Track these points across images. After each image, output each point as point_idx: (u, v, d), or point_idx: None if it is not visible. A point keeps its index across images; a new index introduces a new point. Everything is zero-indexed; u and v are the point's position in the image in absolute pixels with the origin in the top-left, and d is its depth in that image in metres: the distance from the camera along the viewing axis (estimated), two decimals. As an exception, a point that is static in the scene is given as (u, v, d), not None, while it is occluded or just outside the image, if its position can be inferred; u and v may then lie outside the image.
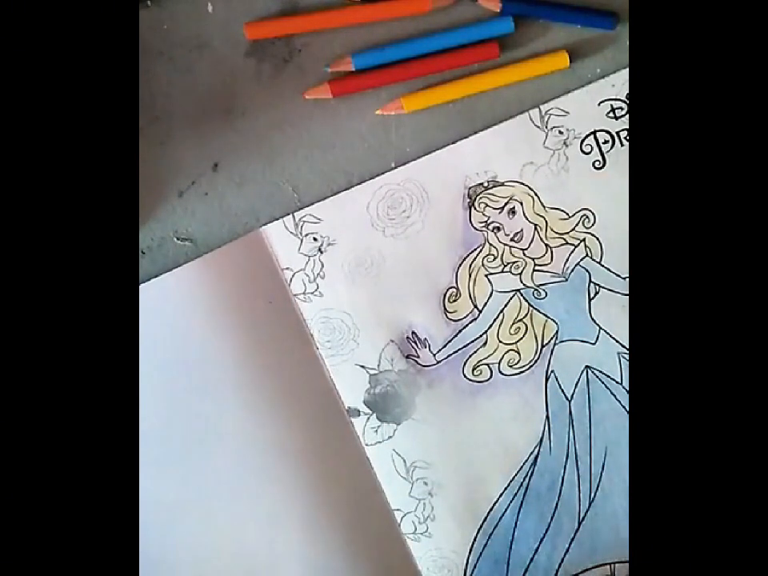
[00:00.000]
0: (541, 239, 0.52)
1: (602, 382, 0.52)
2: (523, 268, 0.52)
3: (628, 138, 0.51)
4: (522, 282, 0.52)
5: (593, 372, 0.52)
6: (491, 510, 0.52)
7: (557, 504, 0.52)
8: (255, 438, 0.52)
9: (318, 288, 0.52)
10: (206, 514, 0.52)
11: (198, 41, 0.50)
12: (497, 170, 0.51)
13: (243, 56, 0.50)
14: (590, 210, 0.51)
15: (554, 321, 0.52)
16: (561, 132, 0.51)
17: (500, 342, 0.52)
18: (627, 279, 0.51)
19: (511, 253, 0.52)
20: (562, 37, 0.50)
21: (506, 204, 0.51)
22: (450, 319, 0.52)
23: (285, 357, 0.52)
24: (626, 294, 0.52)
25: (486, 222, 0.52)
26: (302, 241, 0.52)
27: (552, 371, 0.52)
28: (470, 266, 0.52)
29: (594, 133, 0.51)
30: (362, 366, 0.52)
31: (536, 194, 0.51)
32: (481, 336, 0.52)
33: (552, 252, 0.52)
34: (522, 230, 0.52)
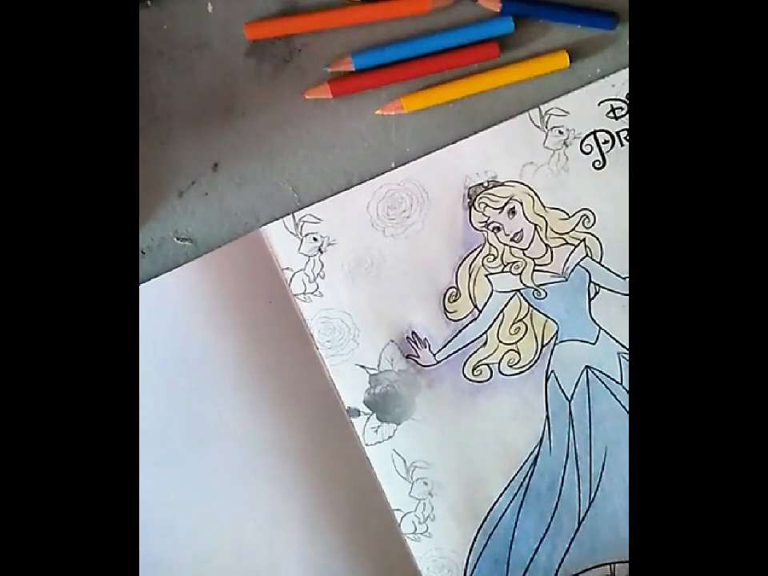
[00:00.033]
0: (541, 239, 0.52)
1: (602, 382, 0.52)
2: (523, 268, 0.52)
3: (628, 138, 0.51)
4: (521, 282, 0.52)
5: (593, 372, 0.52)
6: (491, 510, 0.52)
7: (557, 504, 0.52)
8: (255, 437, 0.52)
9: (318, 288, 0.52)
10: (206, 514, 0.52)
11: (198, 41, 0.50)
12: (497, 169, 0.51)
13: (243, 56, 0.50)
14: (589, 210, 0.51)
15: (553, 321, 0.52)
16: (561, 132, 0.51)
17: (500, 342, 0.52)
18: (627, 279, 0.51)
19: (511, 253, 0.52)
20: (561, 37, 0.50)
21: (505, 204, 0.51)
22: (450, 319, 0.52)
23: (285, 357, 0.52)
24: (626, 294, 0.52)
25: (485, 222, 0.52)
26: (301, 241, 0.52)
27: (552, 371, 0.52)
28: (470, 266, 0.52)
29: (593, 133, 0.51)
30: (362, 366, 0.52)
31: (536, 194, 0.51)
32: (481, 336, 0.52)
33: (552, 252, 0.52)
34: (521, 230, 0.52)
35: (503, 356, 0.52)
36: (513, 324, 0.52)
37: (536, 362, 0.52)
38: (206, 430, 0.52)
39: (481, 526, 0.52)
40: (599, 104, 0.51)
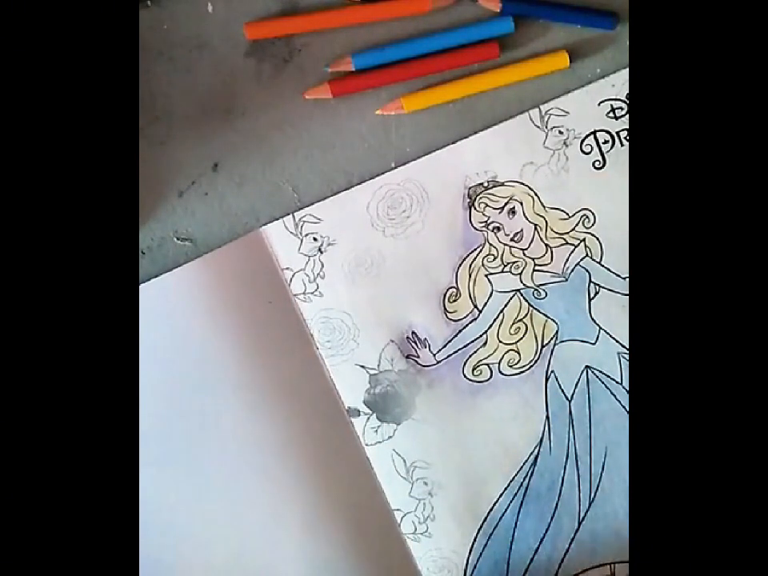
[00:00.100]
0: (541, 239, 0.52)
1: (602, 382, 0.52)
2: (523, 268, 0.52)
3: (628, 138, 0.51)
4: (522, 282, 0.52)
5: (593, 372, 0.52)
6: (491, 510, 0.52)
7: (557, 504, 0.52)
8: (255, 437, 0.52)
9: (318, 288, 0.52)
10: (206, 514, 0.52)
11: (198, 41, 0.50)
12: (497, 169, 0.51)
13: (243, 56, 0.50)
14: (589, 210, 0.51)
15: (553, 321, 0.52)
16: (561, 132, 0.51)
17: (500, 342, 0.52)
18: (627, 279, 0.51)
19: (511, 253, 0.52)
20: (561, 37, 0.50)
21: (506, 204, 0.51)
22: (450, 319, 0.52)
23: (285, 357, 0.52)
24: (626, 294, 0.52)
25: (486, 222, 0.52)
26: (302, 241, 0.52)
27: (552, 371, 0.52)
28: (470, 266, 0.52)
29: (594, 133, 0.51)
30: (362, 366, 0.52)
31: (536, 194, 0.51)
32: (481, 336, 0.52)
33: (552, 252, 0.52)
34: (521, 230, 0.52)
35: (503, 356, 0.52)
36: (513, 324, 0.52)
37: (536, 361, 0.52)
38: (206, 430, 0.52)
39: (481, 526, 0.52)
40: (599, 104, 0.51)
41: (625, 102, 0.51)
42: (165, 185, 0.51)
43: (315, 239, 0.52)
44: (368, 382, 0.52)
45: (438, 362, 0.52)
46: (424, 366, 0.52)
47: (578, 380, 0.52)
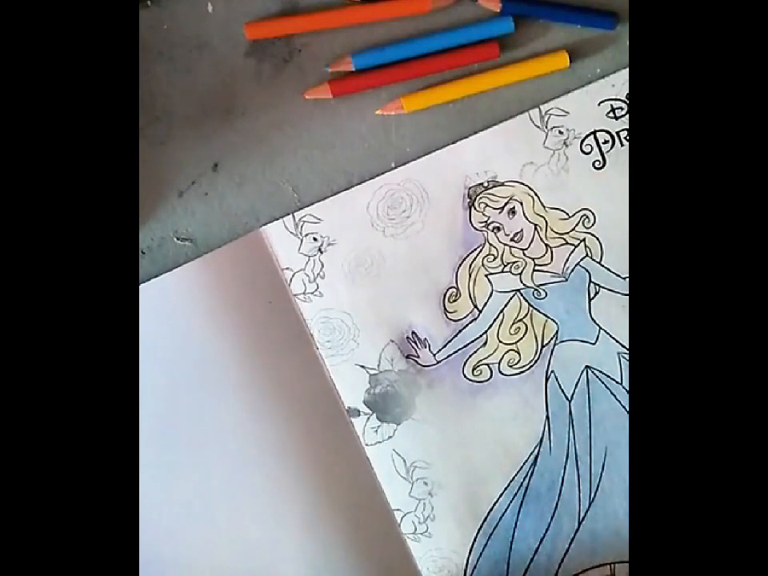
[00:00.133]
0: (541, 239, 0.52)
1: (602, 382, 0.52)
2: (523, 268, 0.52)
3: (628, 138, 0.51)
4: (522, 282, 0.52)
5: (593, 372, 0.52)
6: (491, 510, 0.52)
7: (557, 504, 0.52)
8: (255, 437, 0.52)
9: (318, 288, 0.52)
10: (206, 514, 0.52)
11: (198, 41, 0.50)
12: (497, 170, 0.51)
13: (243, 56, 0.50)
14: (590, 210, 0.51)
15: (553, 321, 0.52)
16: (561, 132, 0.51)
17: (500, 341, 0.52)
18: (627, 279, 0.51)
19: (511, 253, 0.52)
20: (561, 37, 0.50)
21: (506, 204, 0.51)
22: (450, 319, 0.52)
23: (285, 357, 0.52)
24: (626, 294, 0.52)
25: (486, 222, 0.52)
26: (302, 241, 0.52)
27: (552, 371, 0.52)
28: (470, 266, 0.52)
29: (594, 133, 0.51)
30: (362, 366, 0.52)
31: (536, 194, 0.51)
32: (481, 336, 0.52)
33: (552, 252, 0.52)
34: (521, 230, 0.52)
35: (503, 356, 0.52)
36: (513, 324, 0.52)
37: (536, 361, 0.52)
38: (206, 430, 0.52)
39: (481, 526, 0.52)
40: (599, 104, 0.51)
41: (625, 102, 0.51)
42: (165, 185, 0.51)
43: (315, 239, 0.52)
44: (368, 381, 0.52)
45: (438, 362, 0.52)
46: (424, 365, 0.52)
47: (578, 380, 0.52)
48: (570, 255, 0.52)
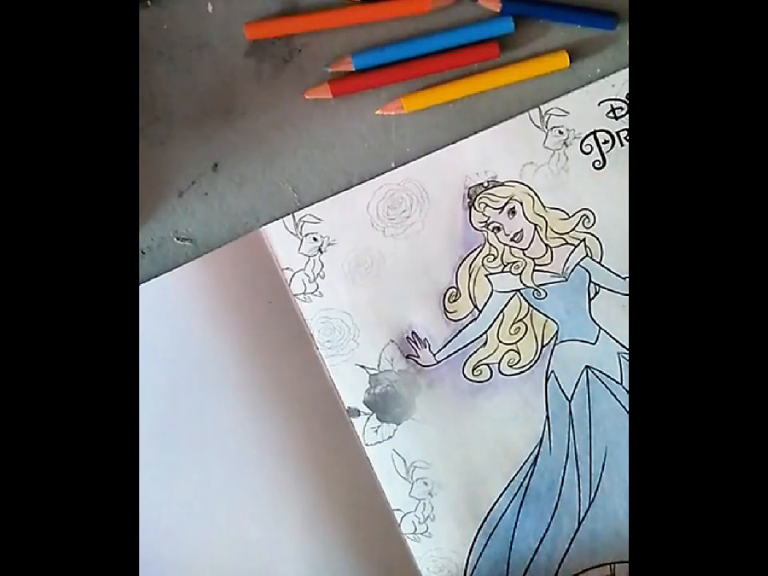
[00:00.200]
0: (541, 239, 0.52)
1: (602, 382, 0.52)
2: (523, 268, 0.52)
3: (628, 138, 0.51)
4: (522, 282, 0.52)
5: (593, 372, 0.52)
6: (491, 510, 0.52)
7: (557, 504, 0.52)
8: (255, 437, 0.52)
9: (318, 288, 0.52)
10: (206, 514, 0.52)
11: (198, 41, 0.50)
12: (497, 170, 0.51)
13: (243, 56, 0.50)
14: (590, 210, 0.51)
15: (553, 321, 0.52)
16: (561, 132, 0.51)
17: (500, 342, 0.52)
18: (627, 279, 0.51)
19: (511, 253, 0.52)
20: (561, 37, 0.50)
21: (506, 204, 0.51)
22: (450, 319, 0.52)
23: (285, 357, 0.52)
24: (626, 294, 0.52)
25: (486, 222, 0.52)
26: (302, 241, 0.52)
27: (552, 371, 0.52)
28: (470, 266, 0.52)
29: (594, 133, 0.51)
30: (362, 366, 0.52)
31: (536, 194, 0.51)
32: (481, 336, 0.52)
33: (552, 252, 0.52)
34: (521, 230, 0.52)
35: (503, 356, 0.52)
36: (513, 324, 0.52)
37: (536, 361, 0.52)
38: (206, 430, 0.52)
39: (481, 526, 0.52)
40: (599, 104, 0.51)
41: (625, 102, 0.51)
42: (165, 185, 0.51)
43: (315, 239, 0.52)
44: (368, 381, 0.52)
45: (438, 362, 0.52)
46: (424, 365, 0.52)
47: (578, 380, 0.52)
48: (569, 255, 0.52)
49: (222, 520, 0.52)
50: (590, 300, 0.52)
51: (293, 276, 0.52)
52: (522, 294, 0.52)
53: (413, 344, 0.52)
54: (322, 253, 0.52)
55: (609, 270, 0.52)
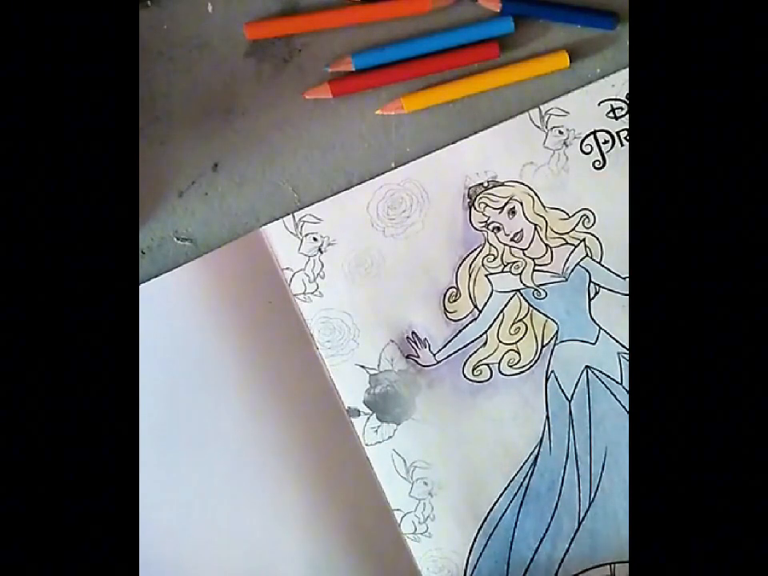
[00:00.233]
0: (541, 239, 0.52)
1: (602, 382, 0.52)
2: (523, 268, 0.52)
3: (628, 138, 0.51)
4: (522, 282, 0.52)
5: (593, 372, 0.52)
6: (491, 510, 0.52)
7: (557, 504, 0.52)
8: (255, 437, 0.52)
9: (318, 288, 0.52)
10: (206, 514, 0.52)
11: (198, 41, 0.50)
12: (497, 170, 0.51)
13: (243, 56, 0.50)
14: (590, 210, 0.51)
15: (553, 321, 0.52)
16: (561, 132, 0.51)
17: (500, 341, 0.52)
18: (627, 279, 0.51)
19: (511, 253, 0.52)
20: (561, 37, 0.50)
21: (506, 204, 0.51)
22: (450, 319, 0.52)
23: (285, 357, 0.52)
24: (626, 294, 0.52)
25: (486, 222, 0.52)
26: (302, 241, 0.52)
27: (552, 371, 0.52)
28: (470, 266, 0.52)
29: (594, 133, 0.51)
30: (362, 366, 0.52)
31: (536, 194, 0.51)
32: (481, 336, 0.52)
33: (552, 252, 0.52)
34: (521, 230, 0.52)
35: (503, 356, 0.52)
36: (513, 324, 0.52)
37: (536, 361, 0.52)
38: (206, 430, 0.52)
39: (481, 526, 0.52)
40: (599, 104, 0.51)
41: (625, 102, 0.51)
42: (165, 185, 0.51)
43: (315, 239, 0.52)
44: (368, 381, 0.52)
45: (438, 362, 0.52)
46: (424, 365, 0.52)
47: (578, 380, 0.52)
48: (570, 255, 0.52)
49: (222, 520, 0.52)
50: (590, 300, 0.52)
51: (293, 276, 0.52)
52: (521, 294, 0.52)
53: (413, 344, 0.52)
54: (321, 253, 0.52)
55: (609, 270, 0.52)
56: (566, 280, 0.52)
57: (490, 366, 0.52)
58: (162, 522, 0.52)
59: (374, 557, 0.52)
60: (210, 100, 0.51)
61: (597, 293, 0.52)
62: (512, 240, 0.52)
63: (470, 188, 0.51)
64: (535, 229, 0.52)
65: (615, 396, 0.52)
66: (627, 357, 0.52)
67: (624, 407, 0.52)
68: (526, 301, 0.52)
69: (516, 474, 0.52)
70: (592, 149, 0.51)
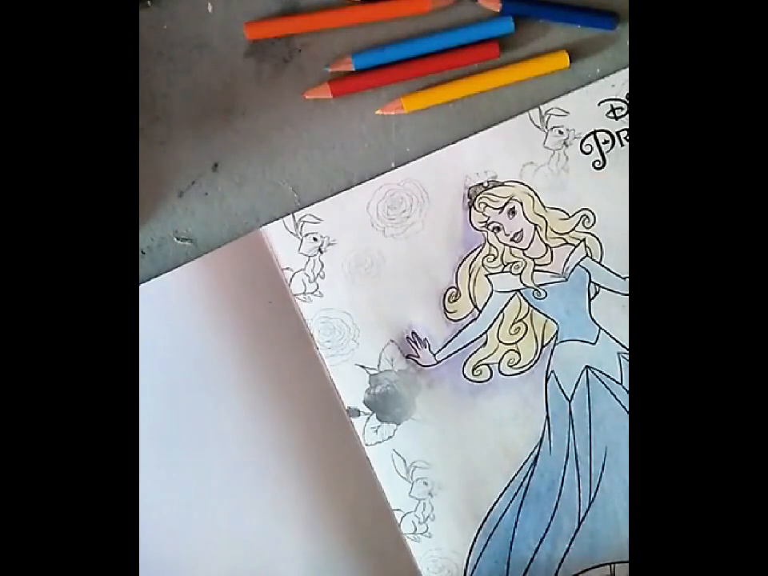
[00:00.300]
0: (541, 239, 0.52)
1: (602, 382, 0.52)
2: (523, 268, 0.52)
3: (628, 138, 0.51)
4: (522, 282, 0.52)
5: (593, 372, 0.52)
6: (491, 510, 0.52)
7: (557, 504, 0.52)
8: (255, 437, 0.52)
9: (318, 288, 0.52)
10: (206, 514, 0.52)
11: (198, 41, 0.50)
12: (497, 170, 0.51)
13: (243, 56, 0.50)
14: (589, 210, 0.51)
15: (553, 321, 0.52)
16: (561, 132, 0.51)
17: (500, 342, 0.52)
18: (627, 279, 0.51)
19: (511, 253, 0.52)
20: (561, 37, 0.50)
21: (506, 204, 0.51)
22: (450, 319, 0.52)
23: (285, 357, 0.52)
24: (626, 294, 0.52)
25: (486, 222, 0.52)
26: (302, 241, 0.52)
27: (552, 371, 0.52)
28: (470, 266, 0.52)
29: (593, 133, 0.51)
30: (362, 366, 0.52)
31: (536, 194, 0.51)
32: (481, 336, 0.52)
33: (552, 252, 0.52)
34: (521, 230, 0.52)
35: (503, 356, 0.52)
36: (513, 324, 0.52)
37: (536, 361, 0.52)
38: (206, 430, 0.52)
39: (481, 526, 0.52)
40: (599, 104, 0.51)
41: (625, 102, 0.51)
42: (165, 185, 0.51)
43: (315, 239, 0.52)
44: (368, 381, 0.52)
45: (438, 362, 0.52)
46: (424, 365, 0.52)
47: (578, 380, 0.52)
48: (570, 255, 0.52)
49: (221, 520, 0.52)
50: (590, 300, 0.52)
51: (293, 276, 0.52)
52: (521, 294, 0.52)
53: (413, 344, 0.52)
54: (322, 253, 0.52)
55: (609, 270, 0.52)
56: (566, 280, 0.52)
57: (490, 366, 0.52)
58: (162, 522, 0.52)
59: (374, 557, 0.52)
60: (210, 100, 0.51)
61: (597, 293, 0.52)
62: (512, 240, 0.52)
63: (469, 188, 0.51)
64: (535, 229, 0.52)
65: (615, 396, 0.52)
66: (627, 357, 0.52)
67: (624, 407, 0.52)
68: (526, 301, 0.52)
69: (516, 474, 0.52)
70: (592, 149, 0.51)
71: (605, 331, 0.52)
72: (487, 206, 0.51)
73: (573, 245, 0.52)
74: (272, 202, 0.51)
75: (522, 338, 0.52)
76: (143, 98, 0.50)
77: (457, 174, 0.51)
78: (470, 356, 0.52)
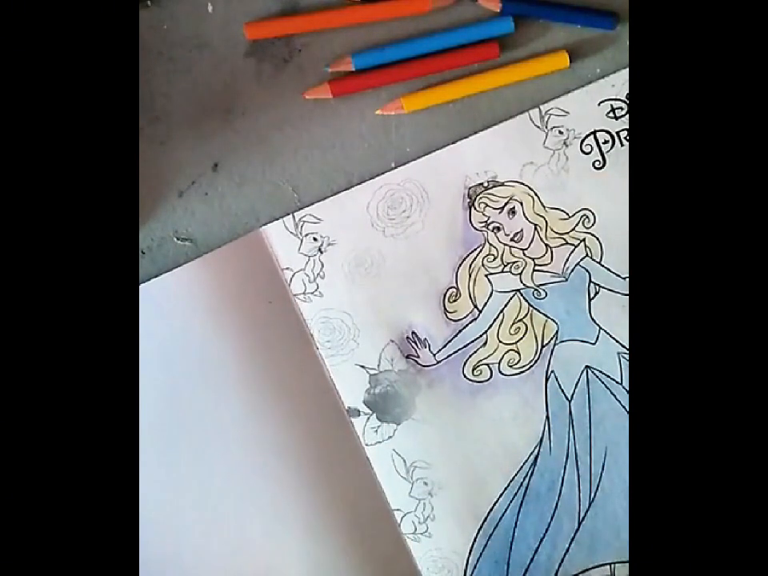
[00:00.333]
0: (541, 239, 0.52)
1: (602, 382, 0.52)
2: (523, 268, 0.52)
3: (628, 138, 0.51)
4: (522, 282, 0.52)
5: (593, 372, 0.52)
6: (491, 510, 0.52)
7: (557, 504, 0.52)
8: (255, 437, 0.52)
9: (318, 288, 0.52)
10: (206, 514, 0.52)
11: (198, 41, 0.50)
12: (497, 170, 0.51)
13: (243, 56, 0.50)
14: (589, 210, 0.51)
15: (553, 321, 0.52)
16: (561, 132, 0.51)
17: (500, 342, 0.52)
18: (627, 279, 0.51)
19: (511, 253, 0.52)
20: (561, 37, 0.50)
21: (506, 204, 0.51)
22: (450, 319, 0.52)
23: (285, 357, 0.52)
24: (626, 294, 0.52)
25: (486, 222, 0.52)
26: (302, 241, 0.52)
27: (552, 371, 0.52)
28: (470, 266, 0.52)
29: (594, 133, 0.51)
30: (362, 366, 0.52)
31: (536, 194, 0.51)
32: (481, 336, 0.52)
33: (552, 252, 0.52)
34: (521, 230, 0.52)
35: (503, 356, 0.52)
36: (513, 324, 0.52)
37: (536, 362, 0.52)
38: (206, 430, 0.52)
39: (481, 526, 0.52)
40: (599, 104, 0.51)
41: (625, 102, 0.51)
42: (165, 185, 0.51)
43: (315, 239, 0.52)
44: (368, 381, 0.52)
45: (438, 362, 0.52)
46: (424, 365, 0.52)
47: (578, 380, 0.52)
48: (569, 255, 0.52)
49: (221, 519, 0.52)
50: (590, 300, 0.52)
51: (293, 276, 0.52)
52: (521, 294, 0.52)
53: (413, 344, 0.52)
54: (322, 253, 0.52)
55: (609, 270, 0.52)
56: (566, 280, 0.52)
57: (490, 365, 0.52)
58: (162, 522, 0.52)
59: (374, 557, 0.52)
60: (210, 100, 0.51)
61: (597, 293, 0.52)
62: (512, 240, 0.52)
63: (469, 188, 0.51)
64: (535, 229, 0.52)
65: (615, 396, 0.52)
66: (627, 357, 0.52)
67: (624, 407, 0.52)
68: (526, 301, 0.52)
69: (516, 474, 0.52)
70: (592, 149, 0.51)
71: (605, 331, 0.52)
72: (487, 206, 0.51)
73: (573, 245, 0.52)
74: (272, 202, 0.52)
75: (522, 338, 0.52)
76: (143, 98, 0.50)
77: (457, 173, 0.51)
78: (470, 356, 0.52)
